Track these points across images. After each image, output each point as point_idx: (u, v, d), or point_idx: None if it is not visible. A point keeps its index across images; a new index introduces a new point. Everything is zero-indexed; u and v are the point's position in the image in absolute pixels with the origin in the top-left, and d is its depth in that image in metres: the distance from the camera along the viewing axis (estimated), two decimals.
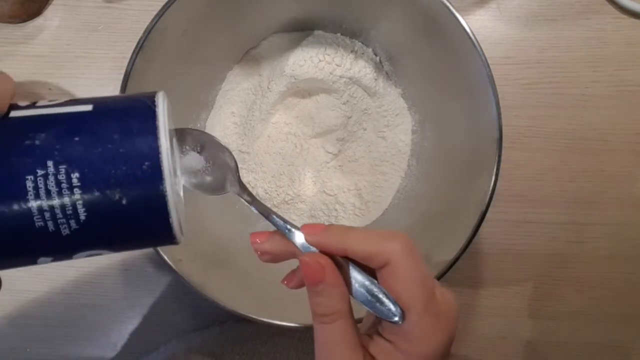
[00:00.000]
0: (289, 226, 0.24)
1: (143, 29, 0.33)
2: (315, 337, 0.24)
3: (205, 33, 0.38)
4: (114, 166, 0.18)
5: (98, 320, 0.48)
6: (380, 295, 0.23)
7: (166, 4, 0.33)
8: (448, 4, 0.33)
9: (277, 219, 0.25)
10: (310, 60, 0.41)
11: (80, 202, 0.18)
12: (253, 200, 0.26)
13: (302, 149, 0.44)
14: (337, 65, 0.41)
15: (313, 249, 0.23)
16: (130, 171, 0.19)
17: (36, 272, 0.47)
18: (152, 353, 0.45)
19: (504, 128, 0.33)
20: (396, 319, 0.22)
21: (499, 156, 0.33)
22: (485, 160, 0.34)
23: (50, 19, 0.46)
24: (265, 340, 0.42)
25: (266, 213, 0.25)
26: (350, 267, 0.23)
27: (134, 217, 0.19)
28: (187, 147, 0.25)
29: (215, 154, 0.26)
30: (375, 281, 0.23)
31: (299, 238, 0.24)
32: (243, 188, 0.26)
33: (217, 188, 0.26)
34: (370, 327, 0.25)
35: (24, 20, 0.45)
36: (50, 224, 0.18)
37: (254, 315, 0.34)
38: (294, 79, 0.41)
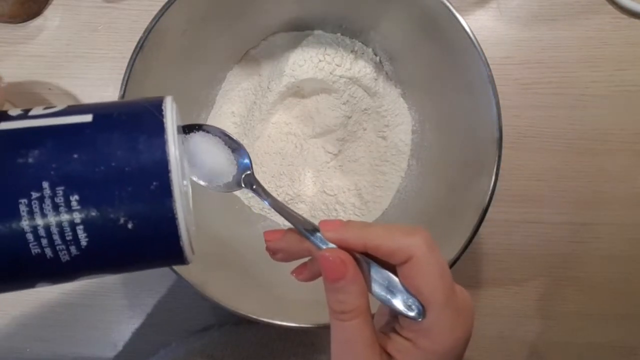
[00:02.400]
0: (305, 223, 0.24)
1: (143, 29, 0.33)
2: (333, 334, 0.23)
3: (205, 33, 0.38)
4: (118, 187, 0.17)
5: (98, 320, 0.48)
6: (400, 292, 0.22)
7: (166, 4, 0.33)
8: (448, 4, 0.33)
9: (293, 216, 0.24)
10: (310, 60, 0.41)
11: (81, 227, 0.16)
12: (268, 197, 0.25)
13: (302, 149, 0.44)
14: (337, 65, 0.41)
15: (331, 245, 0.23)
16: (136, 192, 0.17)
17: None
18: (152, 356, 0.45)
19: (504, 128, 0.33)
20: (415, 315, 0.22)
21: (499, 156, 0.33)
22: (485, 160, 0.34)
23: (50, 19, 0.46)
24: (266, 344, 0.42)
25: (281, 210, 0.25)
26: (369, 263, 0.23)
27: (141, 241, 0.17)
28: (198, 144, 0.24)
29: (228, 150, 0.26)
30: (395, 277, 0.23)
31: (315, 235, 0.24)
32: (258, 185, 0.26)
33: (230, 185, 0.26)
34: (385, 325, 0.25)
35: (24, 20, 0.45)
36: (47, 251, 0.16)
37: (254, 316, 0.34)
38: (294, 79, 0.41)
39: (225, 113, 0.44)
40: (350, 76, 0.41)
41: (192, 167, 0.24)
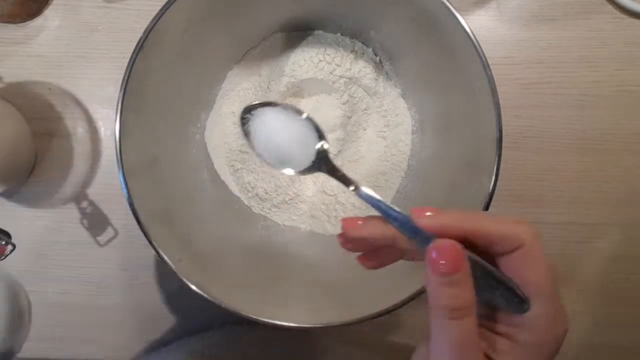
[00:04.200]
0: (391, 208, 0.23)
1: (143, 29, 0.33)
2: (441, 337, 0.21)
3: (205, 33, 0.38)
4: None
5: (98, 320, 0.48)
6: (502, 283, 0.21)
7: (166, 4, 0.33)
8: (448, 4, 0.33)
9: (379, 202, 0.23)
10: (310, 60, 0.41)
11: None
12: (346, 180, 0.25)
13: None
14: (337, 65, 0.41)
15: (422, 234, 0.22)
16: None
17: (36, 272, 0.47)
18: (152, 356, 0.44)
19: (504, 128, 0.33)
20: (518, 307, 0.21)
21: (499, 156, 0.33)
22: (485, 160, 0.34)
23: (50, 19, 0.46)
24: (267, 345, 0.42)
25: (366, 196, 0.24)
26: (468, 253, 0.21)
27: None
28: (275, 124, 0.24)
29: (305, 131, 0.25)
30: (493, 267, 0.22)
31: (404, 222, 0.22)
32: (333, 166, 0.25)
33: (306, 167, 0.26)
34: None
35: (24, 20, 0.45)
36: None
37: (254, 316, 0.34)
38: (294, 79, 0.41)
39: (225, 113, 0.44)
40: (350, 76, 0.41)
41: (258, 144, 0.24)
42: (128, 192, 0.33)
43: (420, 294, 0.33)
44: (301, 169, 0.26)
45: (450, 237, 0.21)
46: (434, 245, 0.21)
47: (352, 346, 0.45)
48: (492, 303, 0.21)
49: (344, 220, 0.24)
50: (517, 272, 0.21)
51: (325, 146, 0.26)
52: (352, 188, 0.25)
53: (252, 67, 0.44)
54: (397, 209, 0.23)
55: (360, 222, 0.24)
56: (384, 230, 0.23)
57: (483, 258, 0.22)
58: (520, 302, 0.21)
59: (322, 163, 0.26)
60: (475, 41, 0.33)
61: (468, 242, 0.21)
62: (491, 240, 0.21)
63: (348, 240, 0.24)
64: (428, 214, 0.22)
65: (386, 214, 0.23)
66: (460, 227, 0.21)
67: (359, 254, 0.25)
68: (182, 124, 0.42)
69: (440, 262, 0.20)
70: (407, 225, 0.22)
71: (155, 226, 0.34)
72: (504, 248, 0.21)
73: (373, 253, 0.25)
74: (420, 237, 0.22)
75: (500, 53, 0.45)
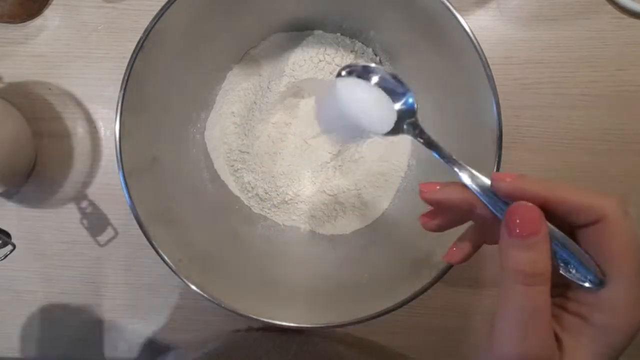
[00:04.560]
0: (474, 172, 0.23)
1: (143, 29, 0.33)
2: (507, 305, 0.20)
3: (205, 33, 0.38)
4: None
5: (98, 320, 0.48)
6: (577, 256, 0.20)
7: (166, 4, 0.33)
8: (448, 4, 0.33)
9: (460, 166, 0.24)
10: (310, 60, 0.41)
11: None
12: (432, 146, 0.26)
13: (302, 149, 0.44)
14: (337, 65, 0.41)
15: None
16: None
17: (36, 272, 0.47)
18: None
19: (504, 128, 0.33)
20: (594, 284, 0.20)
21: (499, 156, 0.33)
22: (485, 160, 0.34)
23: (50, 19, 0.46)
24: (266, 352, 0.41)
25: (448, 159, 0.25)
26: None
27: None
28: (365, 84, 0.25)
29: (396, 93, 0.26)
30: (571, 240, 0.21)
31: (483, 188, 0.22)
32: (421, 131, 0.26)
33: (392, 128, 0.27)
34: None
35: (24, 20, 0.45)
36: None
37: (254, 316, 0.34)
38: (294, 79, 0.41)
39: (225, 113, 0.44)
40: None
41: (342, 107, 0.26)
42: (128, 192, 0.33)
43: (419, 294, 0.33)
44: (388, 131, 0.27)
45: (530, 202, 0.20)
46: (512, 207, 0.20)
47: (352, 347, 0.45)
48: (564, 277, 0.20)
49: (422, 184, 0.25)
50: (596, 247, 0.20)
51: (415, 105, 0.27)
52: (434, 152, 0.26)
53: (252, 67, 0.44)
54: (477, 174, 0.23)
55: (438, 187, 0.24)
56: (461, 195, 0.23)
57: (561, 229, 0.21)
58: (596, 279, 0.20)
59: (410, 126, 0.27)
60: (475, 41, 0.33)
61: (546, 211, 0.20)
62: (570, 209, 0.20)
63: (428, 203, 0.24)
64: (509, 179, 0.21)
65: (462, 176, 0.24)
66: (538, 193, 0.20)
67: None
68: (182, 124, 0.42)
69: (518, 223, 0.20)
70: (486, 191, 0.22)
71: (155, 226, 0.34)
72: (583, 219, 0.20)
73: (431, 213, 0.25)
74: (499, 202, 0.22)
75: (500, 53, 0.45)
